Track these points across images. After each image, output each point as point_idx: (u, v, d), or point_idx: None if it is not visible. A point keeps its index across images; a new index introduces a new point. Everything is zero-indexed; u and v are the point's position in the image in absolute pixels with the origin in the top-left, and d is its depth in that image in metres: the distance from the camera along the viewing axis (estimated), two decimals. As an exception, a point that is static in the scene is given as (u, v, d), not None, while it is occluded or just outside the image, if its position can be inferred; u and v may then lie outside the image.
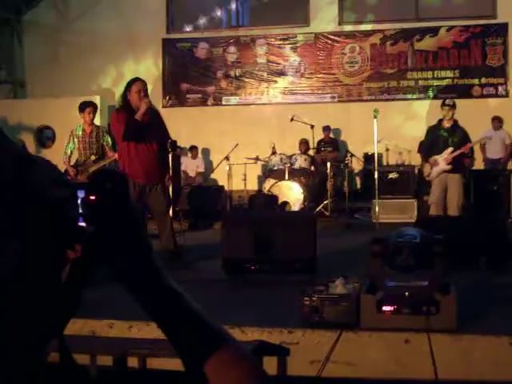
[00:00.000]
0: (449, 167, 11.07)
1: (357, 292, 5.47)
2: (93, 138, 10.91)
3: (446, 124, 11.22)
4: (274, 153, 15.13)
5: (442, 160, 11.09)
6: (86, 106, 11.14)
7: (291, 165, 14.71)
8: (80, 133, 10.97)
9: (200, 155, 17.44)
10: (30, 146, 18.39)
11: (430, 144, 11.56)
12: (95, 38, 19.09)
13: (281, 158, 14.72)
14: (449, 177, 11.13)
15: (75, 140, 10.95)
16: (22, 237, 0.88)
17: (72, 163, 10.99)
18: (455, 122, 11.28)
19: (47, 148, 18.11)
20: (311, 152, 15.71)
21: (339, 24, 18.36)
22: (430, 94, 17.70)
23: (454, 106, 11.24)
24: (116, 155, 10.74)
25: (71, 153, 11.03)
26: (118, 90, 18.43)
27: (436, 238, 5.56)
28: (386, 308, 5.24)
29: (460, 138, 11.17)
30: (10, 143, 0.99)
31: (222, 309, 6.20)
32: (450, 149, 11.07)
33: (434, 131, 11.51)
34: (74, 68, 19.04)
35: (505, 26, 17.40)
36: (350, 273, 6.12)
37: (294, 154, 15.23)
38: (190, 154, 17.00)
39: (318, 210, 13.78)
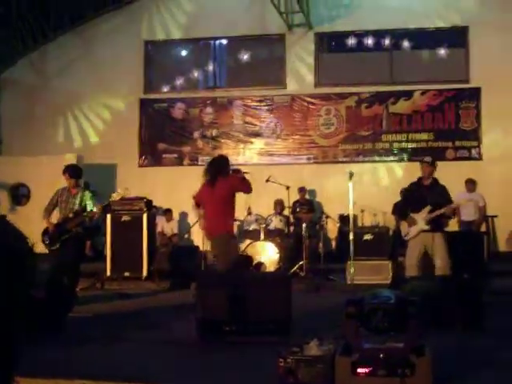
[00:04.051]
0: (427, 227, 10.91)
1: (332, 354, 5.42)
2: (76, 199, 10.87)
3: (425, 182, 11.05)
4: (249, 213, 15.14)
5: (421, 219, 10.93)
6: (63, 172, 11.11)
7: (266, 225, 14.72)
8: (65, 193, 10.93)
9: (174, 217, 17.39)
10: (5, 203, 18.27)
11: (408, 202, 11.42)
12: (72, 97, 19.17)
13: (256, 219, 14.72)
14: (432, 237, 10.94)
15: (59, 198, 10.91)
16: None
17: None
18: (435, 179, 11.13)
19: (22, 205, 17.99)
20: (286, 212, 15.73)
21: (315, 86, 18.58)
22: (405, 156, 17.87)
23: (433, 164, 11.12)
24: (96, 212, 10.76)
25: (53, 210, 10.99)
26: (94, 150, 18.53)
27: (410, 300, 5.55)
28: (361, 370, 5.19)
29: (439, 196, 10.98)
30: None
31: (194, 370, 6.13)
32: (428, 208, 10.88)
33: (413, 188, 11.34)
34: (50, 126, 19.09)
35: (477, 90, 17.70)
36: (324, 334, 6.08)
37: (270, 215, 15.25)
38: (164, 218, 16.97)
39: (292, 270, 13.73)
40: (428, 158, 11.33)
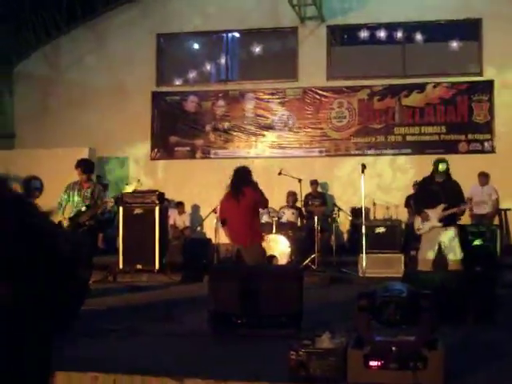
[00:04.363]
0: (440, 224, 10.98)
1: (344, 347, 5.43)
2: (88, 193, 10.89)
3: (439, 178, 11.08)
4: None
5: (434, 216, 10.99)
6: (76, 167, 11.13)
7: (279, 218, 14.72)
8: (77, 186, 10.95)
9: (186, 210, 17.43)
10: (18, 196, 18.34)
11: (421, 197, 11.47)
12: (85, 90, 19.21)
13: (268, 212, 14.73)
14: (444, 232, 11.00)
15: (70, 192, 10.93)
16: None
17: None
18: (448, 176, 11.15)
19: (35, 198, 18.06)
20: (298, 204, 15.72)
21: (327, 79, 18.55)
22: (417, 149, 17.81)
23: (445, 172, 11.10)
24: (107, 201, 10.82)
25: (66, 205, 11.01)
26: (107, 143, 18.58)
27: (423, 293, 5.55)
28: (373, 363, 5.21)
29: (452, 193, 11.01)
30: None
31: (206, 363, 6.15)
32: (442, 206, 10.94)
33: (425, 185, 11.40)
34: (63, 119, 19.13)
35: (491, 83, 17.63)
36: (336, 327, 6.09)
37: (282, 208, 15.24)
38: (176, 211, 17.02)
39: (304, 263, 13.74)
40: (443, 166, 11.18)
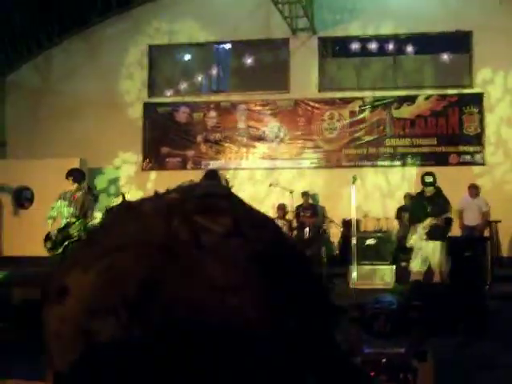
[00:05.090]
0: (424, 236, 11.22)
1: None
2: (79, 203, 10.88)
3: (428, 193, 11.39)
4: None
5: (421, 228, 11.25)
6: (67, 176, 11.13)
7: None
8: (68, 196, 10.95)
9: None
10: (8, 206, 18.33)
11: (412, 211, 11.79)
12: (77, 101, 19.20)
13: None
14: (429, 245, 11.22)
15: (62, 202, 10.92)
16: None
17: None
18: (437, 190, 11.43)
19: (26, 209, 18.03)
20: (290, 216, 15.73)
21: (319, 91, 18.59)
22: (408, 161, 17.85)
23: (432, 183, 11.42)
24: (96, 217, 10.78)
25: (56, 214, 10.99)
26: (98, 153, 18.56)
27: (413, 305, 5.56)
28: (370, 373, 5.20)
29: (439, 206, 11.29)
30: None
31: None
32: (429, 219, 11.21)
33: (416, 199, 11.77)
34: (54, 130, 19.11)
35: (481, 95, 17.71)
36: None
37: (273, 219, 15.25)
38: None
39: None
40: (428, 178, 11.53)
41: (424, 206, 11.30)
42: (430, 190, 11.35)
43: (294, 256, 0.73)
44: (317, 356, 0.70)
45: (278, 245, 0.71)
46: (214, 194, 0.73)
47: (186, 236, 0.66)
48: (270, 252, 0.69)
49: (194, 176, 18.59)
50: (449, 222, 11.77)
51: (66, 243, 10.64)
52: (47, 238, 10.91)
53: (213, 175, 9.32)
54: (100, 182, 19.18)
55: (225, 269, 0.65)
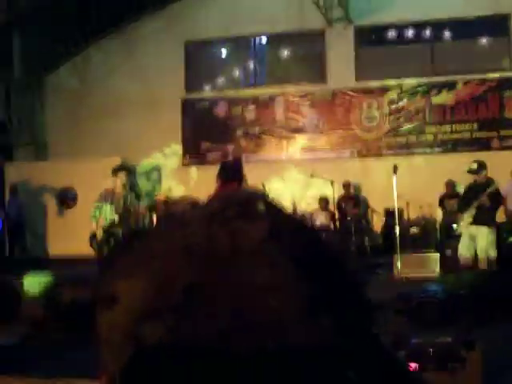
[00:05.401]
0: (470, 222, 11.14)
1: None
2: (121, 201, 10.98)
3: (480, 180, 11.35)
4: (294, 210, 15.15)
5: (468, 215, 11.19)
6: (118, 171, 11.24)
7: (312, 222, 14.72)
8: (109, 195, 11.05)
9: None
10: (53, 207, 18.57)
11: (464, 199, 11.76)
12: (115, 100, 19.35)
13: (301, 216, 14.71)
14: (477, 230, 11.16)
15: (103, 202, 11.02)
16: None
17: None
18: (488, 178, 11.40)
19: (70, 208, 18.26)
20: (331, 207, 15.70)
21: (356, 80, 18.51)
22: (449, 147, 17.69)
23: (478, 170, 11.34)
24: (141, 212, 10.89)
25: (99, 215, 11.09)
26: (138, 151, 18.70)
27: (459, 294, 5.53)
28: (410, 365, 5.19)
29: (490, 194, 11.21)
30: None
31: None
32: (476, 203, 11.14)
33: (469, 187, 11.73)
34: (94, 130, 19.28)
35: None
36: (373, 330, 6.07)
37: (315, 210, 15.24)
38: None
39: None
40: (473, 165, 11.46)
41: (475, 193, 11.26)
42: (476, 176, 11.30)
43: (329, 258, 0.75)
44: (356, 354, 0.72)
45: (313, 248, 0.74)
46: (252, 199, 0.75)
47: (225, 240, 0.69)
48: (306, 255, 0.71)
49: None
50: (495, 197, 11.60)
51: (112, 242, 10.74)
52: (93, 237, 11.03)
53: (229, 166, 9.08)
54: (142, 180, 19.32)
55: (262, 272, 0.68)
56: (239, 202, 0.74)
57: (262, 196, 0.77)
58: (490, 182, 11.40)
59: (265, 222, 0.71)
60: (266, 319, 0.67)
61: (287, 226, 0.74)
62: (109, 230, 10.77)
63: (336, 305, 0.71)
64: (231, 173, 8.99)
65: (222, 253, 0.68)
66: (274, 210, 0.75)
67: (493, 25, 18.02)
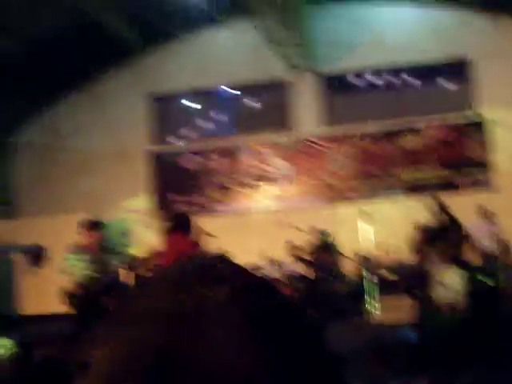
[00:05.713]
0: (442, 264, 11.17)
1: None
2: (94, 255, 10.89)
3: (443, 221, 11.45)
4: (266, 261, 15.11)
5: (439, 257, 11.26)
6: (89, 226, 11.18)
7: (284, 271, 14.67)
8: (81, 250, 10.96)
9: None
10: (22, 265, 18.36)
11: (431, 240, 11.83)
12: (84, 155, 19.32)
13: (272, 265, 14.69)
14: (449, 272, 11.19)
15: (75, 257, 10.92)
16: None
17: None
18: (452, 218, 11.51)
19: (40, 267, 18.04)
20: (304, 256, 15.66)
21: (323, 128, 18.64)
22: (417, 190, 17.81)
23: (441, 211, 11.48)
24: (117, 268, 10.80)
25: (72, 270, 10.98)
26: (107, 206, 18.62)
27: (433, 340, 5.53)
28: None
29: (455, 234, 11.31)
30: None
31: None
32: (443, 246, 11.20)
33: (434, 228, 11.80)
34: (63, 186, 19.21)
35: (485, 121, 17.73)
36: (346, 374, 6.03)
37: (287, 260, 15.21)
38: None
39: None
40: (435, 207, 11.62)
41: (436, 234, 11.32)
42: (442, 219, 11.37)
43: (287, 314, 0.78)
44: None
45: (271, 306, 0.77)
46: (214, 263, 0.80)
47: (191, 306, 0.72)
48: (265, 314, 0.75)
49: (203, 222, 18.68)
50: (461, 237, 11.68)
51: (84, 299, 10.61)
52: (65, 293, 10.89)
53: (180, 218, 8.96)
54: (111, 234, 19.17)
55: (225, 333, 0.71)
56: (201, 267, 0.78)
57: (222, 259, 0.80)
58: (454, 221, 11.48)
59: (225, 286, 0.74)
60: (231, 374, 0.69)
61: (247, 287, 0.77)
62: (81, 286, 10.64)
63: (295, 358, 0.73)
64: (179, 224, 8.84)
65: (189, 317, 0.72)
66: (234, 272, 0.78)
67: (456, 69, 18.33)
